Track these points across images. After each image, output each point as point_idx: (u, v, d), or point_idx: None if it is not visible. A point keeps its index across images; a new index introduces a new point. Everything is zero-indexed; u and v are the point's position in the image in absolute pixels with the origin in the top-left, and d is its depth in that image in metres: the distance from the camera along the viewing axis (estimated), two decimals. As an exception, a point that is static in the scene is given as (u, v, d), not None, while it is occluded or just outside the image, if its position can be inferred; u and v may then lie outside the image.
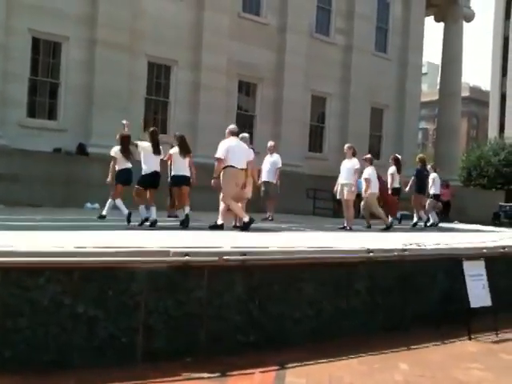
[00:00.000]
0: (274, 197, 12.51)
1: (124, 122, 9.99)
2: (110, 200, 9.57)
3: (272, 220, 12.11)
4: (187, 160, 9.38)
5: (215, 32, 17.63)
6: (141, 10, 16.43)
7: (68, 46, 15.46)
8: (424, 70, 33.18)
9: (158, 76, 17.41)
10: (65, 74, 15.48)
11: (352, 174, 11.09)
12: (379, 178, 12.40)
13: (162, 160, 9.31)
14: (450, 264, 6.73)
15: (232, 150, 8.80)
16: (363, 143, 20.91)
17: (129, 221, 8.71)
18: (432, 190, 14.03)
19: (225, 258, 4.96)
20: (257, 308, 5.25)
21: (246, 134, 9.85)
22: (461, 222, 18.50)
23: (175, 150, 9.41)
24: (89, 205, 13.61)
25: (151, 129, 9.44)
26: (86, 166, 13.96)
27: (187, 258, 4.78)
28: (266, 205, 12.57)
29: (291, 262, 5.53)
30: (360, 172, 11.47)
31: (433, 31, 37.53)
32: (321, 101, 21.63)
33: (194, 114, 17.59)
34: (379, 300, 6.19)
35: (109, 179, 9.67)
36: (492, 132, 49.30)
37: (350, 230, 10.77)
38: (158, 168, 9.04)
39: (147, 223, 8.62)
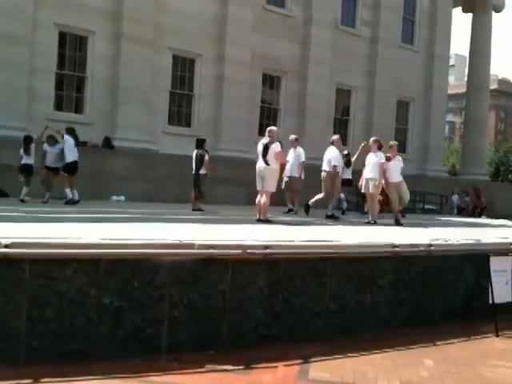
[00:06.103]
0: (297, 191, 12.45)
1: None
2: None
3: (296, 213, 12.07)
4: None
5: (239, 25, 17.55)
6: (165, 4, 16.46)
7: (94, 40, 15.61)
8: (451, 61, 32.66)
9: (183, 69, 17.45)
10: (91, 67, 15.66)
11: (377, 168, 10.96)
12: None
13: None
14: (477, 259, 6.62)
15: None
16: (389, 136, 20.54)
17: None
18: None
19: (248, 251, 4.96)
20: (279, 301, 5.24)
21: (272, 128, 9.93)
22: (488, 217, 18.17)
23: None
24: (114, 197, 13.77)
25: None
26: (111, 159, 14.13)
27: (211, 250, 4.79)
28: (287, 198, 12.51)
29: (314, 256, 5.49)
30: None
31: (460, 22, 36.82)
32: (346, 93, 21.41)
33: (217, 107, 17.60)
34: (404, 295, 6.12)
35: None
36: (521, 125, 48.17)
37: (375, 223, 10.70)
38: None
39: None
